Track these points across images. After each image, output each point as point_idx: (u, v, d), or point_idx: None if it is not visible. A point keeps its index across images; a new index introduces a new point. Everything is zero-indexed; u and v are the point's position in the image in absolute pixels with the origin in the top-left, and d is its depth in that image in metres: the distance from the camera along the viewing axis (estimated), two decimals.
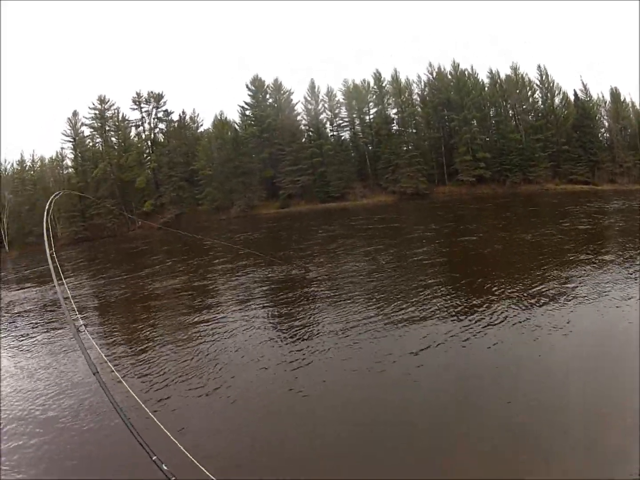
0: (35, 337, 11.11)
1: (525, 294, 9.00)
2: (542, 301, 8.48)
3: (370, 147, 37.10)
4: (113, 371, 4.50)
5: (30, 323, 12.72)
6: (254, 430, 5.32)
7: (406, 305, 9.09)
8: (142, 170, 40.57)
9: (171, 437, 2.86)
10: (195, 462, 2.67)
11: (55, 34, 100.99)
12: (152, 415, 3.12)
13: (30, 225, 41.88)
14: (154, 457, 2.27)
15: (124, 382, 4.05)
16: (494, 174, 35.53)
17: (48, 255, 4.86)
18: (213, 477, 2.48)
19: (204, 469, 2.57)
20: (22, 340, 11.07)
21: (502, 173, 35.71)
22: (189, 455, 2.72)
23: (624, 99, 45.37)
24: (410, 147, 35.08)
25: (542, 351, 6.56)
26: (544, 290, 9.16)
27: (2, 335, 11.86)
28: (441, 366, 6.42)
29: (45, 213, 5.91)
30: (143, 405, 3.32)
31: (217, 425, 5.56)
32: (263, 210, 35.08)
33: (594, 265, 10.84)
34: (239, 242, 22.02)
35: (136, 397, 3.49)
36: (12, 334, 11.94)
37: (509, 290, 9.44)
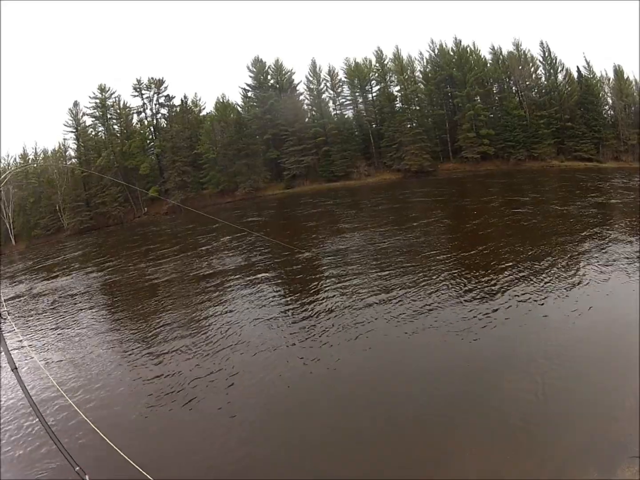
0: None
1: None
2: None
3: (374, 125, 36.99)
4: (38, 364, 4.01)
5: None
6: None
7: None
8: (145, 156, 40.58)
9: (102, 435, 2.68)
10: (133, 463, 2.54)
11: (51, 24, 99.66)
12: (80, 412, 2.93)
13: (36, 217, 42.22)
14: (77, 469, 2.12)
15: (50, 377, 3.64)
16: (497, 151, 35.46)
17: None
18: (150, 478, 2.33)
19: (140, 469, 2.46)
20: None
21: (505, 150, 35.62)
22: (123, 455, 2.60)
23: (627, 77, 45.12)
24: (414, 125, 34.95)
25: None
26: None
27: None
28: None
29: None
30: (70, 402, 3.05)
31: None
32: (268, 192, 35.21)
33: None
34: (246, 225, 22.41)
35: (61, 391, 3.18)
36: None
37: None
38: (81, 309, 12.22)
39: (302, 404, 5.79)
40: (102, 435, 2.71)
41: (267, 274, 12.24)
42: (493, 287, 8.93)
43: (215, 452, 4.96)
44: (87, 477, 2.11)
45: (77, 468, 2.12)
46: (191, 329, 8.88)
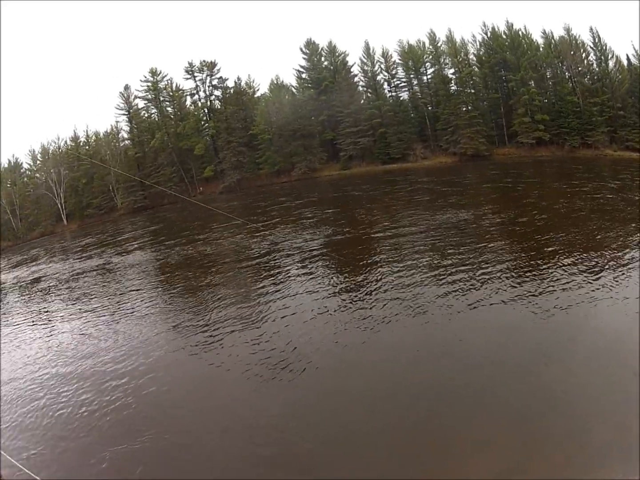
0: None
1: None
2: None
3: (429, 108, 37.51)
4: None
5: None
6: None
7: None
8: (200, 137, 41.73)
9: None
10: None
11: (99, 10, 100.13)
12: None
13: (89, 197, 43.94)
14: None
15: None
16: (552, 137, 35.80)
17: None
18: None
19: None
20: None
21: (560, 136, 35.93)
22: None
23: None
24: (469, 108, 35.40)
25: None
26: None
27: None
28: None
29: None
30: None
31: None
32: (325, 172, 36.26)
33: None
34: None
35: None
36: None
37: None
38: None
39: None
40: None
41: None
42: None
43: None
44: None
45: None
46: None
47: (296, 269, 12.41)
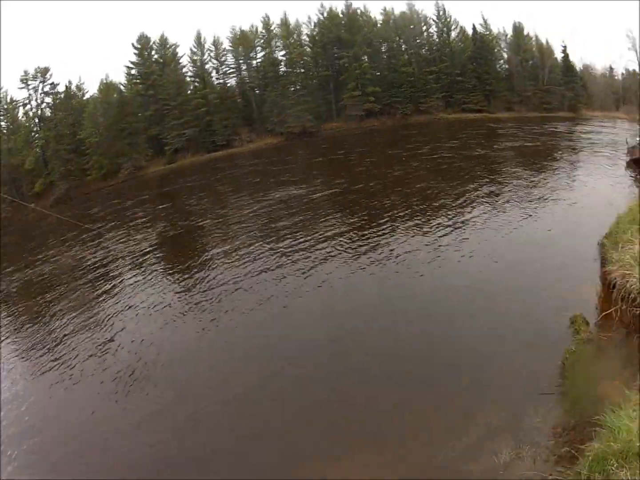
0: None
1: None
2: None
3: (257, 91, 36.11)
4: None
5: None
6: None
7: None
8: (30, 150, 38.16)
9: None
10: None
11: None
12: None
13: None
14: None
15: None
16: (383, 107, 35.27)
17: None
18: None
19: None
20: None
21: (392, 105, 35.51)
22: None
23: (527, 33, 46.22)
24: (297, 87, 34.21)
25: None
26: None
27: None
28: None
29: None
30: None
31: None
32: (151, 169, 33.68)
33: None
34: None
35: None
36: None
37: None
38: None
39: None
40: None
41: None
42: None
43: None
44: None
45: None
46: None
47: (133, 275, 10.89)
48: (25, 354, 8.07)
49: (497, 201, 11.40)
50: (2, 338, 9.14)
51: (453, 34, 43.32)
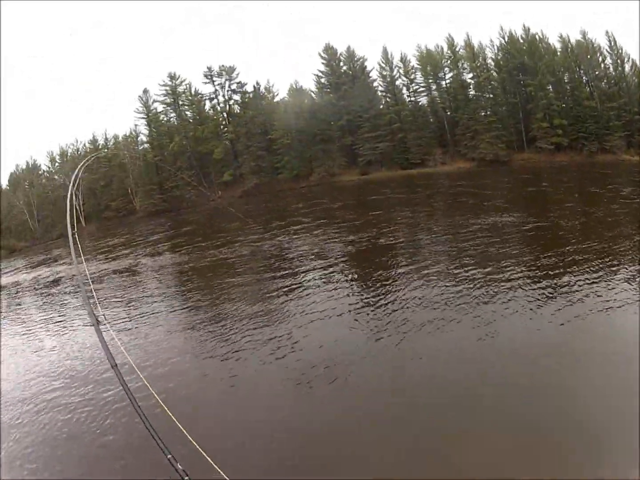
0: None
1: None
2: None
3: (448, 113, 37.81)
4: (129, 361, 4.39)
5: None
6: None
7: None
8: (219, 141, 42.21)
9: (187, 435, 2.94)
10: (210, 461, 2.73)
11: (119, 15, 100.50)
12: (167, 409, 3.15)
13: (107, 200, 44.59)
14: (169, 456, 2.27)
15: (139, 373, 4.20)
16: (570, 142, 36.02)
17: (70, 235, 4.22)
18: (227, 478, 2.47)
19: (218, 469, 2.60)
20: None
21: (578, 141, 36.12)
22: (204, 454, 2.82)
23: None
24: (488, 113, 35.67)
25: None
26: None
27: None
28: None
29: (71, 184, 5.12)
30: (158, 399, 3.38)
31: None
32: (344, 177, 36.67)
33: None
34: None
35: (152, 390, 3.67)
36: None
37: None
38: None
39: None
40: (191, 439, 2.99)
41: None
42: None
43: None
44: (178, 464, 2.24)
45: (169, 456, 2.27)
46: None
47: (318, 276, 12.83)
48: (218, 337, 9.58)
49: None
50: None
51: (627, 67, 42.62)
